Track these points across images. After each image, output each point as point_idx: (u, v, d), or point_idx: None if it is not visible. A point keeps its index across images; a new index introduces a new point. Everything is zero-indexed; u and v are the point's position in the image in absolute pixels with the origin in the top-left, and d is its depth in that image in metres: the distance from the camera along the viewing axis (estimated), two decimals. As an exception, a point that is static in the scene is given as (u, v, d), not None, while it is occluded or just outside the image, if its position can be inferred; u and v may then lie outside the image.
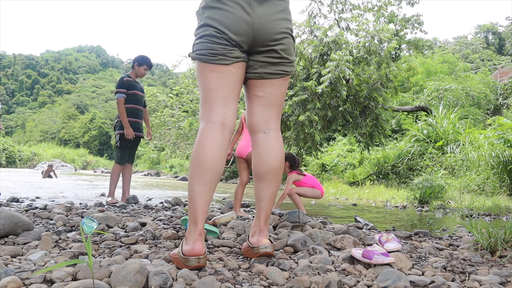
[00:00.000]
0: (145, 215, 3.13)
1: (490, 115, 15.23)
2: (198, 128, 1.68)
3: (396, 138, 15.23)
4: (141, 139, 4.88)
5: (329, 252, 1.87)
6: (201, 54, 1.63)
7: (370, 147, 11.53)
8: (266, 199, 1.72)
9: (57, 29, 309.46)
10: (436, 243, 2.34)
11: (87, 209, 3.47)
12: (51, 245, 1.79)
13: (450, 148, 10.58)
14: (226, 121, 1.63)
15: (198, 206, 1.54)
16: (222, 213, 3.51)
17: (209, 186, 1.56)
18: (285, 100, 9.52)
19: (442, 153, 10.80)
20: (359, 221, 3.38)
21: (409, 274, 1.59)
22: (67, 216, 2.82)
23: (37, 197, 4.93)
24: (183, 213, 3.42)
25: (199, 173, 1.55)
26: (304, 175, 4.37)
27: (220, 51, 1.60)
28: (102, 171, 28.41)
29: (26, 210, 3.14)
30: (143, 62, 4.77)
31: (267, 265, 1.59)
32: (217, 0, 1.61)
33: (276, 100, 1.75)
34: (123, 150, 4.69)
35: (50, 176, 13.05)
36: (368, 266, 1.64)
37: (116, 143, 4.74)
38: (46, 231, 2.16)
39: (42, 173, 13.38)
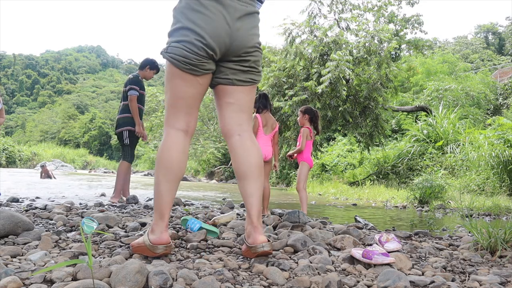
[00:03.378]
0: (145, 215, 3.13)
1: (490, 115, 15.23)
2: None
3: (396, 138, 15.22)
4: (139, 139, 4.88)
5: (329, 252, 1.87)
6: (175, 58, 1.67)
7: (370, 147, 11.53)
8: (254, 195, 1.76)
9: (57, 29, 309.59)
10: (436, 243, 2.34)
11: (87, 209, 3.47)
12: (51, 245, 1.79)
13: (450, 148, 10.57)
14: (189, 129, 1.77)
15: (165, 202, 1.69)
16: (222, 213, 3.51)
17: (174, 185, 1.72)
18: (285, 100, 9.53)
19: (442, 153, 10.80)
20: (359, 221, 3.38)
21: (409, 274, 1.59)
22: (67, 216, 2.82)
23: (37, 197, 4.93)
24: (183, 213, 3.42)
25: (166, 174, 1.69)
26: (311, 137, 4.28)
27: (193, 62, 1.65)
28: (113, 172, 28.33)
29: (26, 210, 3.14)
30: (154, 67, 4.88)
31: (267, 265, 1.59)
32: (201, 5, 1.65)
33: (246, 106, 1.84)
34: (132, 148, 4.71)
35: (48, 177, 12.86)
36: (368, 266, 1.64)
37: (124, 140, 4.67)
38: (46, 231, 2.16)
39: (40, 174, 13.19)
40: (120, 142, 4.74)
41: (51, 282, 1.29)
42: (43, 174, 12.80)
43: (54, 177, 12.83)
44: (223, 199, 6.65)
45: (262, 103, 4.15)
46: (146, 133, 4.98)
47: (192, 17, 1.64)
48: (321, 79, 9.15)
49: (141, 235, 2.08)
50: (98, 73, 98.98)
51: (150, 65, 4.85)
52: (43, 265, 1.48)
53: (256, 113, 4.14)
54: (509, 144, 7.67)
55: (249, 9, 1.73)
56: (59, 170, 23.95)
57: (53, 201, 4.54)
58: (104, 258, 1.64)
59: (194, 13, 1.65)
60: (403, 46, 15.69)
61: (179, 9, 1.71)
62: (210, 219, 2.76)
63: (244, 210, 4.47)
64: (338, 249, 2.00)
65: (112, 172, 26.66)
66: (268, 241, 1.68)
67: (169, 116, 1.76)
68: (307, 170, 4.24)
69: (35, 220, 2.63)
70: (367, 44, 9.79)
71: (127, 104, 4.65)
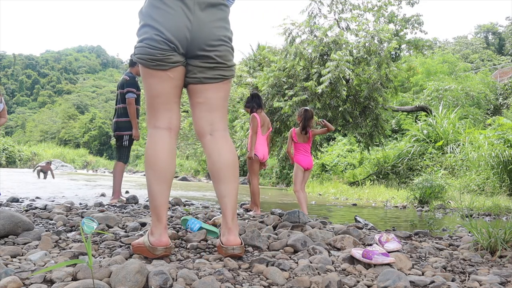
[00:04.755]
0: (145, 215, 3.13)
1: (490, 115, 15.23)
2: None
3: (396, 138, 15.22)
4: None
5: (329, 252, 1.87)
6: (141, 58, 1.68)
7: (370, 147, 11.52)
8: (227, 195, 1.75)
9: (57, 29, 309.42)
10: (436, 243, 2.34)
11: (87, 209, 3.47)
12: (51, 245, 1.79)
13: (450, 148, 10.57)
14: (172, 125, 1.75)
15: (159, 203, 1.68)
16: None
17: (166, 185, 1.70)
18: (285, 100, 9.52)
19: (442, 153, 10.80)
20: (359, 221, 3.38)
21: (409, 274, 1.59)
22: (67, 216, 2.82)
23: (37, 197, 4.93)
24: (183, 213, 3.42)
25: (155, 176, 1.69)
26: (295, 140, 4.22)
27: (158, 57, 1.65)
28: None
29: (26, 210, 3.14)
30: None
31: (267, 265, 1.58)
32: (161, 1, 1.65)
33: (217, 104, 1.80)
34: (129, 150, 4.72)
35: (45, 174, 12.18)
36: (368, 266, 1.64)
37: (124, 143, 4.67)
38: (46, 231, 2.16)
39: (36, 172, 12.12)
40: (118, 143, 4.73)
41: (51, 282, 1.29)
42: (41, 172, 12.20)
43: (53, 176, 12.57)
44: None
45: (256, 102, 4.17)
46: (139, 134, 4.98)
47: (152, 14, 1.65)
48: (321, 79, 9.15)
49: (141, 235, 2.08)
50: (98, 73, 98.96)
51: None
52: (43, 265, 1.48)
53: (251, 113, 4.16)
54: (509, 144, 7.67)
55: (212, 1, 1.70)
56: (59, 170, 23.94)
57: (53, 201, 4.54)
58: (104, 258, 1.64)
59: (153, 10, 1.66)
60: (403, 46, 15.67)
61: (142, 10, 1.71)
62: (210, 219, 2.76)
63: (244, 210, 4.47)
64: (338, 249, 2.00)
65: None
66: (241, 244, 1.69)
67: (150, 116, 1.76)
68: (299, 171, 4.24)
69: (35, 220, 2.63)
70: (367, 44, 9.78)
71: (126, 107, 4.63)
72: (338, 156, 15.77)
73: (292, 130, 4.25)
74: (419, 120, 13.21)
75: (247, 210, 4.44)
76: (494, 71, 23.01)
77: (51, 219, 2.68)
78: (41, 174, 12.19)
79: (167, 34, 1.63)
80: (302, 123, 4.19)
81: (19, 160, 28.14)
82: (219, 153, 1.77)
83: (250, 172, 4.21)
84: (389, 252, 1.83)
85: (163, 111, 1.73)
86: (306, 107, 4.41)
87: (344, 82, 9.07)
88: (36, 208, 3.41)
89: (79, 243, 1.87)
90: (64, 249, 1.77)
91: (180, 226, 2.51)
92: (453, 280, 1.53)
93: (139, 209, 3.69)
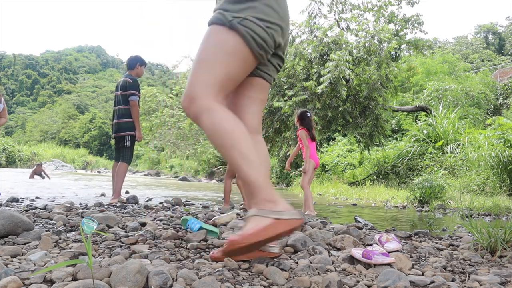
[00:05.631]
0: (145, 215, 3.13)
1: (490, 115, 15.24)
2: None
3: (396, 138, 15.23)
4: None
5: (329, 252, 1.87)
6: (252, 37, 1.46)
7: (370, 147, 11.53)
8: None
9: (57, 29, 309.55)
10: (436, 243, 2.34)
11: (87, 209, 3.47)
12: (51, 245, 1.79)
13: (450, 148, 10.58)
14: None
15: (258, 165, 1.49)
16: (222, 213, 3.51)
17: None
18: (285, 100, 9.54)
19: (442, 153, 10.80)
20: (359, 221, 3.38)
21: (409, 274, 1.59)
22: (67, 216, 2.82)
23: (37, 197, 4.93)
24: (183, 213, 3.42)
25: (244, 139, 1.45)
26: (311, 138, 4.44)
27: (267, 48, 1.51)
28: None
29: (26, 210, 3.14)
30: (143, 62, 4.86)
31: (267, 265, 1.58)
32: None
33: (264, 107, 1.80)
34: (132, 150, 4.76)
35: (40, 176, 12.54)
36: (368, 266, 1.64)
37: (126, 143, 4.69)
38: (46, 231, 2.16)
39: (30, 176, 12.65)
40: (120, 144, 4.74)
41: (51, 282, 1.29)
42: (32, 172, 12.49)
43: (48, 177, 12.62)
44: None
45: None
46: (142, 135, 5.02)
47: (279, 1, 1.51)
48: (321, 79, 9.16)
49: (142, 235, 2.08)
50: (98, 73, 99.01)
51: (139, 62, 4.84)
52: (43, 265, 1.48)
53: None
54: (509, 144, 7.67)
55: None
56: (59, 170, 23.95)
57: (53, 201, 4.54)
58: (104, 258, 1.64)
59: None
60: (403, 46, 15.70)
61: None
62: (210, 219, 2.76)
63: (243, 210, 4.46)
64: (338, 249, 2.00)
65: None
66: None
67: (211, 89, 1.46)
68: (311, 167, 4.40)
69: (35, 220, 2.62)
70: (367, 44, 9.79)
71: (128, 109, 4.65)
72: (338, 156, 15.77)
73: (303, 130, 4.44)
74: (419, 120, 13.22)
75: (246, 210, 4.45)
76: (494, 71, 23.03)
77: (51, 219, 2.68)
78: (35, 176, 12.39)
79: (285, 28, 1.54)
80: (308, 128, 4.37)
81: (19, 160, 28.15)
82: (267, 155, 1.74)
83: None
84: (389, 252, 1.83)
85: (225, 95, 1.55)
86: (305, 110, 4.57)
87: (344, 82, 9.08)
88: (36, 208, 3.41)
89: (79, 243, 1.86)
90: (64, 249, 1.77)
91: (180, 226, 2.51)
92: (453, 280, 1.53)
93: (139, 209, 3.69)
